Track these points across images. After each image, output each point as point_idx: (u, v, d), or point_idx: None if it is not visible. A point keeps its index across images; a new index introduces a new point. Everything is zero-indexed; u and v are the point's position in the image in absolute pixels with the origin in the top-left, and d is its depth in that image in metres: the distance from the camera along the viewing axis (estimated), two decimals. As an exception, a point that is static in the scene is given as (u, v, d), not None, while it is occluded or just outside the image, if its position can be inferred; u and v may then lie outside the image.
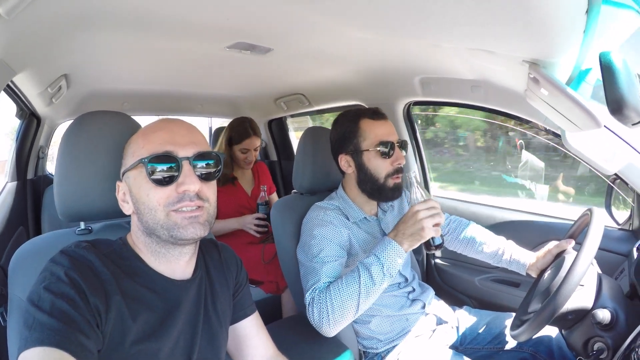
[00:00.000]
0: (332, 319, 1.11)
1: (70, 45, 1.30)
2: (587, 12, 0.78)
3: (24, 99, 1.76)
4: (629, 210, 1.51)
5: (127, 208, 0.81)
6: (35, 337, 0.62)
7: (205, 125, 3.60)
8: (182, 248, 0.80)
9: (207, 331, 0.86)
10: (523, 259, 1.38)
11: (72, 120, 0.91)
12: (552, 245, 1.30)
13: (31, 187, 2.23)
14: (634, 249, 1.27)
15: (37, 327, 0.63)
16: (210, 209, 0.80)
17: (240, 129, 2.31)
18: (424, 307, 1.43)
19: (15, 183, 2.09)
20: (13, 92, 1.64)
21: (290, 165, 3.10)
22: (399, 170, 1.31)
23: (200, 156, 0.78)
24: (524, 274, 1.38)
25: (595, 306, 1.01)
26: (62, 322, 0.63)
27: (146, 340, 0.74)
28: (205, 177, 0.78)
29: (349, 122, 1.33)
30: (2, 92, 1.46)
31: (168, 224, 0.75)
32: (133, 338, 0.72)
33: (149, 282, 0.78)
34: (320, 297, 1.14)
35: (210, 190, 0.80)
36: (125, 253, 0.80)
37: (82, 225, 0.94)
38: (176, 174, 0.75)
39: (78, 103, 2.23)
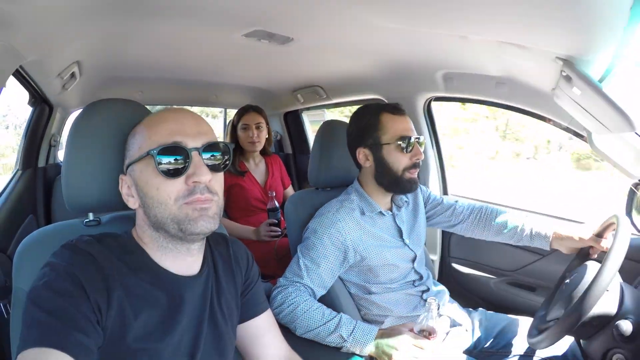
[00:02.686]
0: (288, 318, 1.18)
1: (83, 31, 1.28)
2: (631, 7, 0.74)
3: (35, 86, 1.74)
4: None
5: (132, 202, 0.78)
6: (34, 337, 0.60)
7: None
8: (190, 245, 0.78)
9: (212, 329, 0.83)
10: (544, 230, 1.33)
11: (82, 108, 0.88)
12: (577, 233, 1.25)
13: (42, 175, 2.21)
14: None
15: (35, 326, 0.61)
16: (219, 202, 0.77)
17: (240, 110, 2.33)
18: (438, 308, 1.40)
19: (26, 171, 2.08)
20: (24, 79, 1.62)
21: (304, 158, 3.07)
22: (416, 165, 1.30)
23: (209, 147, 0.76)
24: (548, 248, 1.33)
25: (618, 314, 0.98)
26: (60, 320, 0.61)
27: (148, 338, 0.72)
28: (214, 168, 0.76)
29: (370, 115, 1.32)
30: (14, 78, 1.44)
31: (179, 217, 0.73)
32: (135, 335, 0.70)
33: (153, 278, 0.76)
34: (292, 295, 1.21)
35: (218, 182, 0.78)
36: (131, 247, 0.78)
37: (91, 216, 0.90)
38: (186, 165, 0.73)
39: (91, 91, 2.21)
